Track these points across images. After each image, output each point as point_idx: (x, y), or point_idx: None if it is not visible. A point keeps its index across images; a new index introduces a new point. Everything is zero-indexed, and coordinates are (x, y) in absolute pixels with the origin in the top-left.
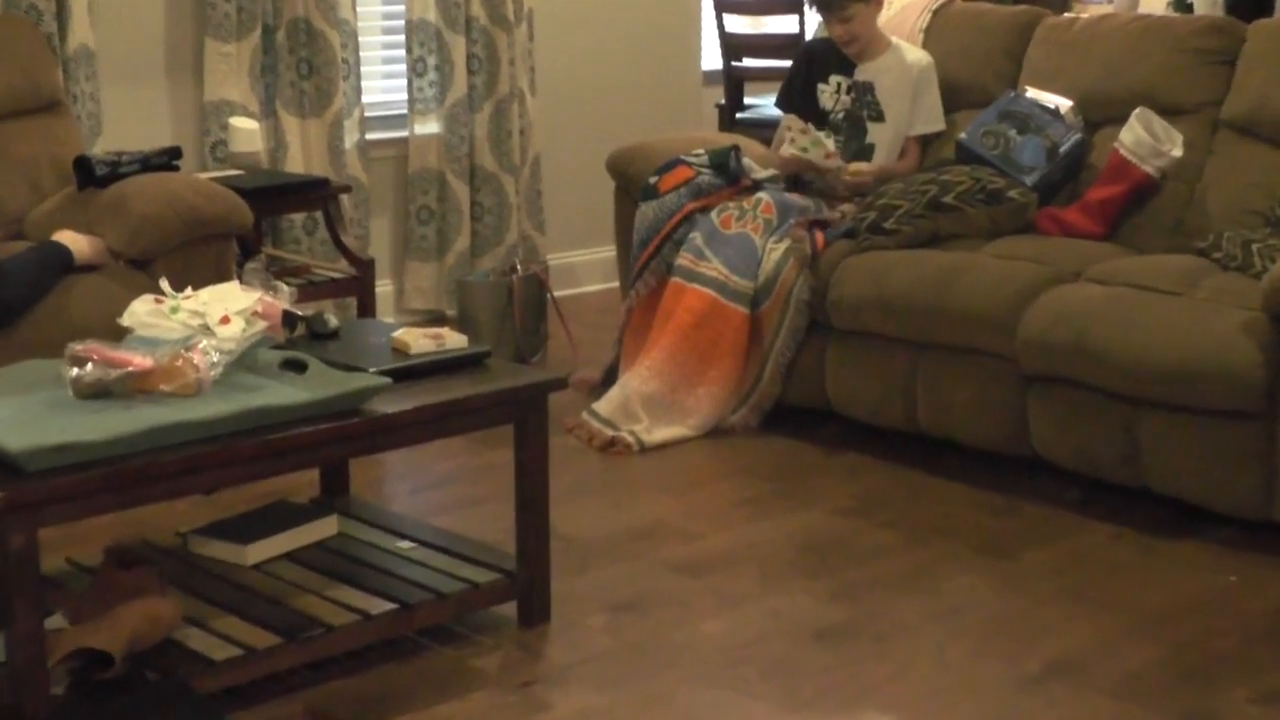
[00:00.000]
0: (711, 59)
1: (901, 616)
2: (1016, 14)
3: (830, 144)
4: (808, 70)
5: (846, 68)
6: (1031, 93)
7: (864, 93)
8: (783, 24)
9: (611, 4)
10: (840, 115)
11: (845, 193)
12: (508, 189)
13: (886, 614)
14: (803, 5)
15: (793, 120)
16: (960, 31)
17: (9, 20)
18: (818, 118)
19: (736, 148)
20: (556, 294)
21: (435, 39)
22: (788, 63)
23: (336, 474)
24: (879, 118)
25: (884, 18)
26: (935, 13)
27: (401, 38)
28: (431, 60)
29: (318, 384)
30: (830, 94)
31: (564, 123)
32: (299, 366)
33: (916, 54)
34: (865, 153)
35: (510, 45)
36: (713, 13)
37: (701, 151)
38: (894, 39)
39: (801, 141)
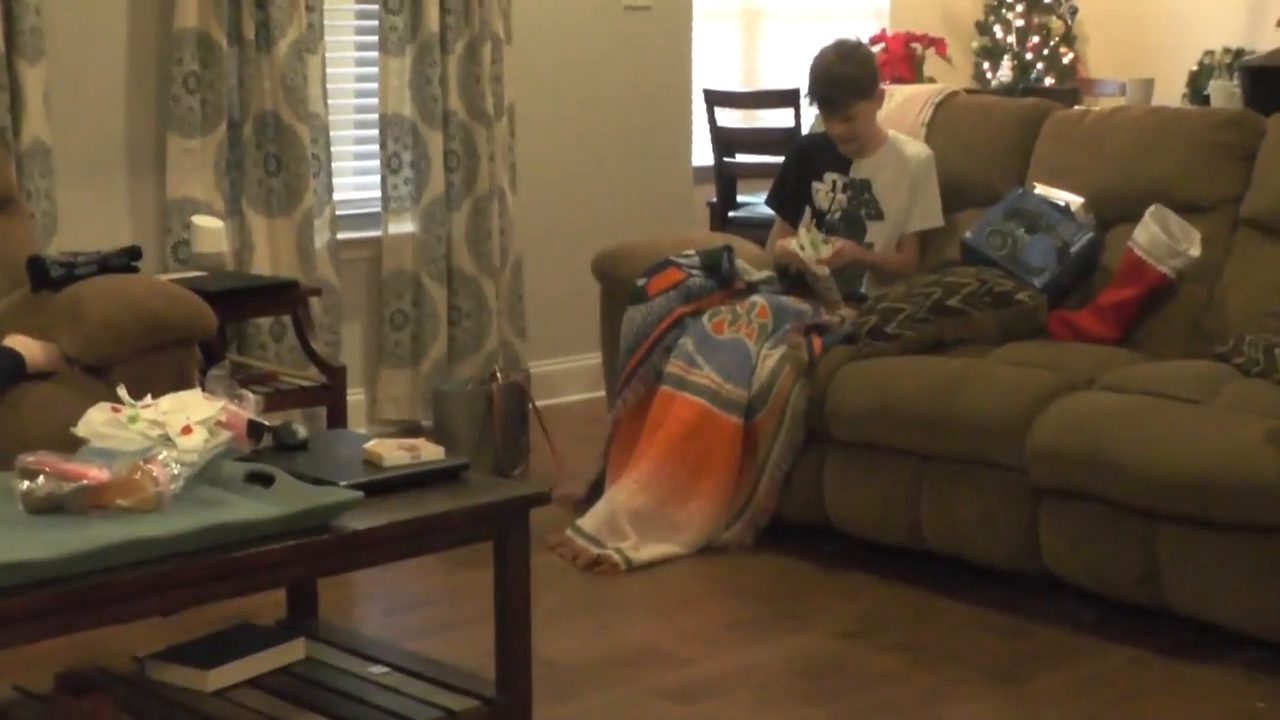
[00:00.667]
0: (702, 154)
1: None
2: (1024, 107)
3: (828, 249)
4: (800, 168)
5: (842, 164)
6: (1040, 190)
7: (861, 190)
8: (777, 118)
9: (597, 98)
10: (837, 215)
11: (832, 298)
12: (487, 292)
13: None
14: (798, 99)
15: (805, 219)
16: (965, 125)
17: None
18: (813, 218)
19: (729, 248)
20: (539, 403)
21: (411, 134)
22: (781, 159)
23: (304, 594)
24: (877, 215)
25: (884, 111)
26: (938, 106)
27: (375, 132)
28: (407, 156)
29: (285, 498)
30: (825, 192)
31: (547, 222)
32: (265, 480)
33: (915, 147)
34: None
35: (490, 140)
36: (704, 107)
37: (692, 252)
38: (891, 132)
39: (802, 238)
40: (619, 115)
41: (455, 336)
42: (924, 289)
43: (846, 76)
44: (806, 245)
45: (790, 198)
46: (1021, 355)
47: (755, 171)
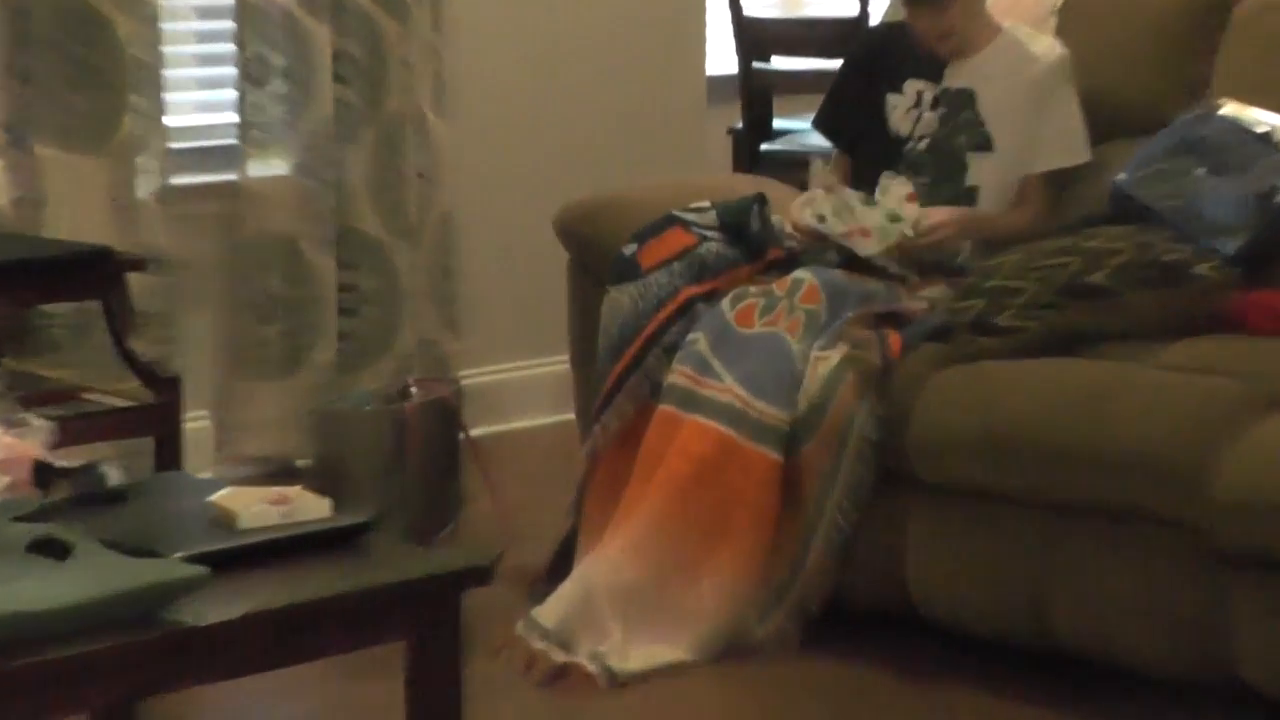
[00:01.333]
0: (721, 58)
1: None
2: None
3: (866, 213)
4: (868, 73)
5: (931, 69)
6: (1229, 110)
7: (959, 106)
8: (832, 3)
9: None
10: (923, 144)
11: (910, 275)
12: (399, 265)
13: None
14: None
15: (820, 168)
16: (1114, 16)
17: None
18: (886, 150)
19: (761, 198)
20: (476, 432)
21: (284, 27)
22: (837, 62)
23: None
24: (984, 145)
25: None
26: None
27: (228, 24)
28: (278, 60)
29: (89, 576)
30: (905, 110)
31: (489, 160)
32: (59, 549)
33: (1043, 44)
34: (962, 200)
35: (404, 38)
36: None
37: (707, 205)
38: (1006, 24)
39: (822, 205)
40: (598, 3)
41: (351, 332)
42: (1053, 259)
43: None
44: (828, 215)
45: (851, 118)
46: (1200, 356)
47: (800, 83)
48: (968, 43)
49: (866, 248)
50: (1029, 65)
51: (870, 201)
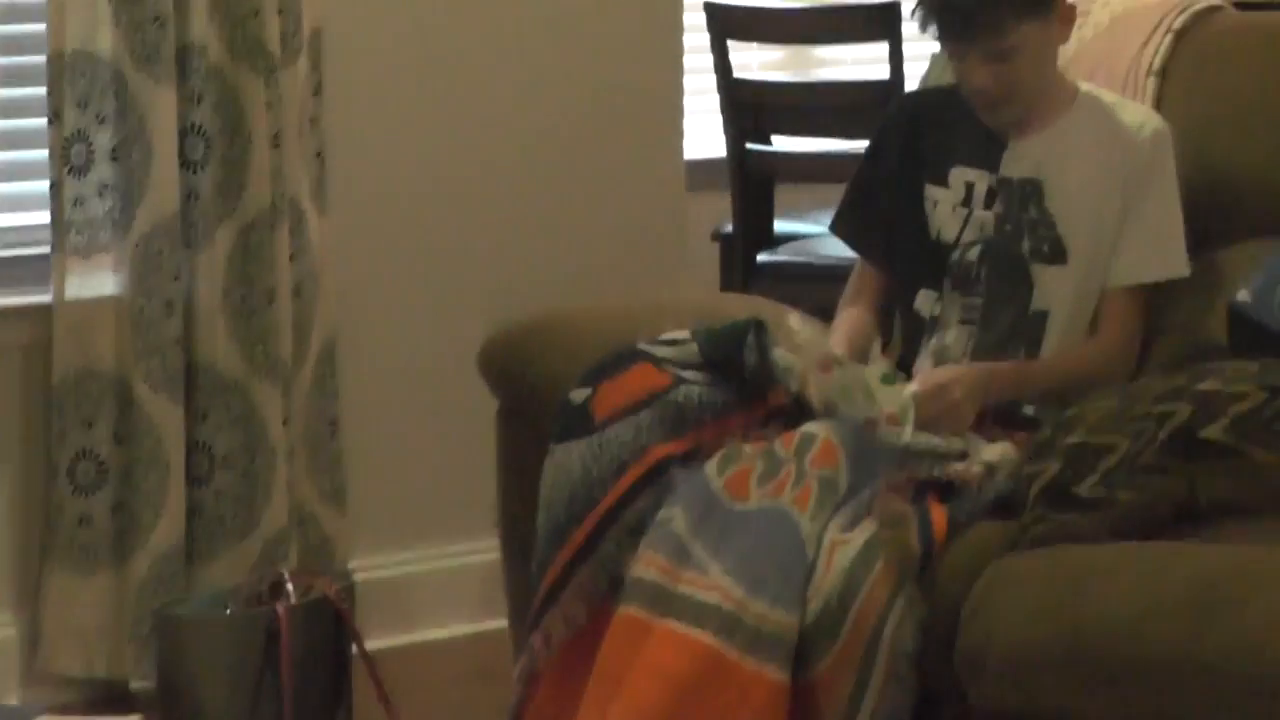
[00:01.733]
0: (705, 137)
1: None
2: None
3: (890, 393)
4: (904, 155)
5: (985, 152)
6: None
7: (1023, 202)
8: (854, 62)
9: (486, 18)
10: (974, 252)
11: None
12: (267, 414)
13: None
14: (897, 23)
15: (799, 328)
16: (1235, 73)
17: None
18: (926, 260)
19: (758, 324)
20: (372, 644)
21: (113, 94)
22: (862, 143)
23: None
24: (1055, 253)
25: (1072, 46)
26: (1182, 34)
27: (38, 91)
28: (104, 139)
29: None
30: (952, 206)
31: (389, 271)
32: None
33: (1136, 115)
34: (1024, 330)
35: (274, 105)
36: (706, 38)
37: (684, 334)
38: (1084, 86)
39: (827, 388)
40: (535, 52)
41: (203, 505)
42: (1155, 407)
43: None
44: (837, 398)
45: (881, 218)
46: None
47: (810, 170)
48: (1035, 110)
49: (902, 437)
50: (1116, 144)
51: (892, 378)
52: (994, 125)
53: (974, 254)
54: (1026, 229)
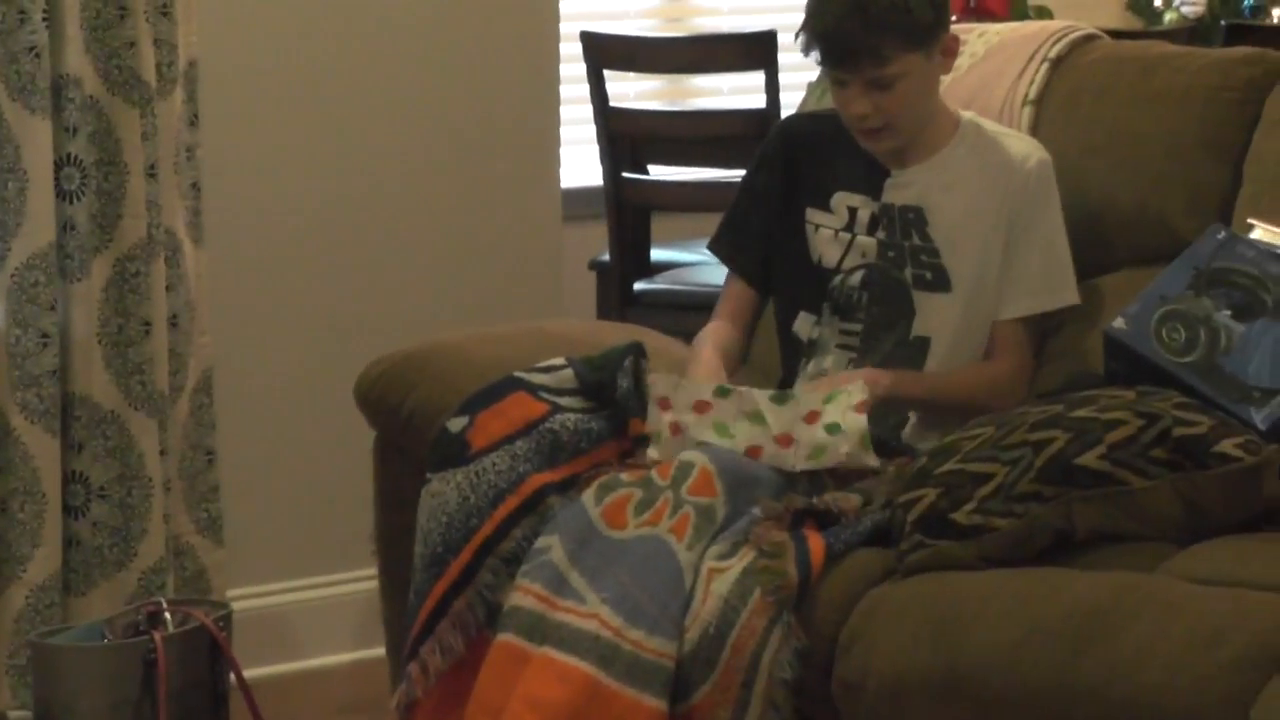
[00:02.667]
0: (581, 166)
1: None
2: (1227, 66)
3: (780, 415)
4: (785, 183)
5: (868, 176)
6: (1262, 233)
7: (906, 228)
8: (731, 90)
9: (362, 46)
10: (855, 278)
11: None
12: (144, 445)
13: None
14: (773, 50)
15: (662, 383)
16: (1111, 103)
17: None
18: (807, 284)
19: (636, 348)
20: (251, 673)
21: None
22: (738, 173)
23: None
24: (937, 282)
25: (954, 76)
26: (1058, 64)
27: None
28: None
29: None
30: (833, 232)
31: (266, 302)
32: None
33: (1018, 146)
34: (904, 355)
35: (150, 136)
36: (582, 67)
37: (560, 361)
38: (966, 115)
39: (710, 421)
40: (411, 81)
41: (80, 536)
42: (1032, 434)
43: (876, 6)
44: (729, 424)
45: (760, 241)
46: (1228, 565)
47: (686, 199)
48: (917, 139)
49: (792, 460)
50: (999, 175)
51: (783, 399)
52: (874, 153)
53: (856, 279)
54: (909, 256)
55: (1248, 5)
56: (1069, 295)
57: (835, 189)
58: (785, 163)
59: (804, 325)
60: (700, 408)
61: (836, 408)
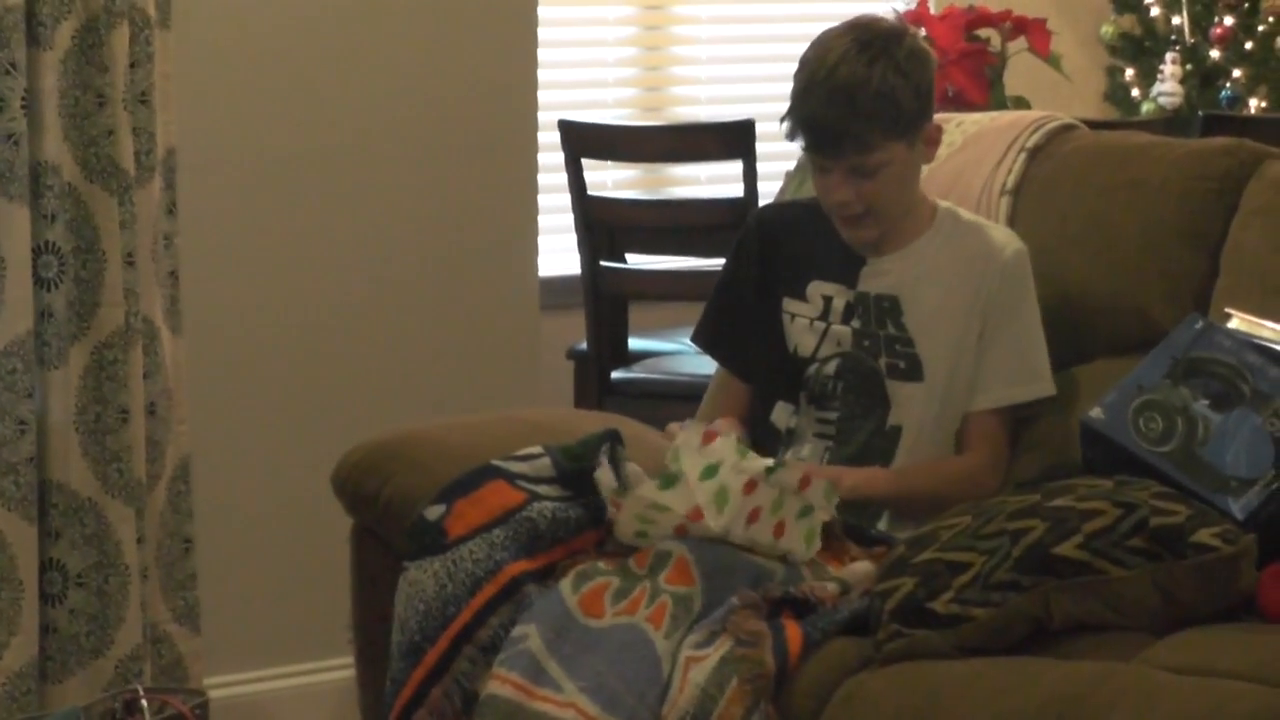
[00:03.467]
0: (559, 255)
1: None
2: (1207, 156)
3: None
4: (761, 272)
5: (844, 266)
6: (1239, 322)
7: (879, 317)
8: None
9: (341, 137)
10: (831, 368)
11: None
12: (121, 534)
13: None
14: (751, 140)
15: (684, 437)
16: (1089, 192)
17: None
18: (783, 373)
19: (613, 435)
20: None
21: None
22: (716, 262)
23: None
24: (911, 371)
25: (934, 166)
26: (1036, 153)
27: None
28: None
29: None
30: (809, 320)
31: (242, 390)
32: None
33: (994, 236)
34: (879, 445)
35: (128, 224)
36: (561, 156)
37: (538, 450)
38: (943, 205)
39: (636, 513)
40: (389, 170)
41: (55, 624)
42: (1008, 523)
43: (871, 88)
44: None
45: (739, 330)
46: (1206, 653)
47: (664, 288)
48: (895, 228)
49: (800, 553)
50: (975, 265)
51: (745, 450)
52: (853, 242)
53: (831, 369)
54: (884, 345)
55: (1225, 96)
56: (1044, 386)
57: (811, 278)
58: (761, 253)
59: (781, 414)
60: (749, 487)
61: (790, 507)
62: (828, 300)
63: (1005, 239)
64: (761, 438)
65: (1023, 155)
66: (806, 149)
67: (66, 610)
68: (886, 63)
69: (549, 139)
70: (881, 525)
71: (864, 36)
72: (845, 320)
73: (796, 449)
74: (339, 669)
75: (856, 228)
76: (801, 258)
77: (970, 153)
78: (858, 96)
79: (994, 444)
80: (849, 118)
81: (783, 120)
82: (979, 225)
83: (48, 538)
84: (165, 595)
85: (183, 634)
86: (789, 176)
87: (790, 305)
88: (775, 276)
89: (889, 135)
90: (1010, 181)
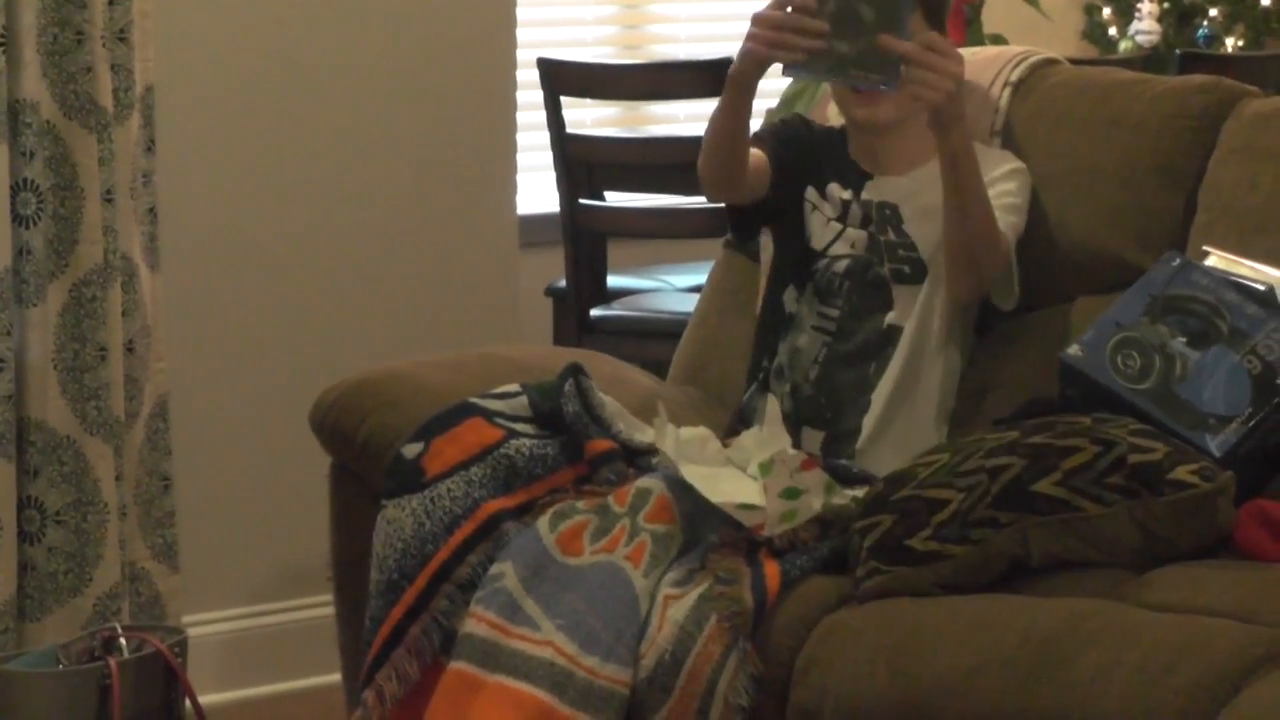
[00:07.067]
0: (538, 192)
1: None
2: (1184, 94)
3: (738, 481)
4: (792, 151)
5: (851, 173)
6: (1218, 260)
7: (879, 224)
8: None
9: (318, 71)
10: (840, 265)
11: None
12: (99, 470)
13: None
14: None
15: (665, 426)
16: (1068, 129)
17: None
18: (797, 257)
19: (575, 368)
20: (207, 699)
21: None
22: (696, 200)
23: None
24: (914, 274)
25: None
26: (1018, 88)
27: None
28: None
29: None
30: (826, 219)
31: (221, 328)
32: None
33: (996, 156)
34: (875, 346)
35: (106, 161)
36: (539, 95)
37: (516, 388)
38: None
39: (677, 437)
40: (367, 107)
41: (33, 562)
42: (987, 460)
43: None
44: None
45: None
46: (1187, 591)
47: (644, 226)
48: (897, 151)
49: (762, 528)
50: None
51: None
52: (865, 121)
53: (840, 267)
54: (887, 251)
55: (1202, 35)
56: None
57: (831, 179)
58: (789, 141)
59: (789, 297)
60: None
61: (780, 476)
62: (846, 204)
63: (1006, 158)
64: (768, 318)
65: (1007, 89)
66: None
67: (45, 548)
68: None
69: (528, 77)
70: (856, 447)
71: None
72: (862, 225)
73: (793, 337)
74: (318, 607)
75: (871, 104)
76: (822, 159)
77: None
78: None
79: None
80: None
81: None
82: (983, 149)
83: (26, 475)
84: (143, 533)
85: (161, 572)
86: (769, 114)
87: (812, 196)
88: (802, 165)
89: (918, 5)
90: (999, 121)
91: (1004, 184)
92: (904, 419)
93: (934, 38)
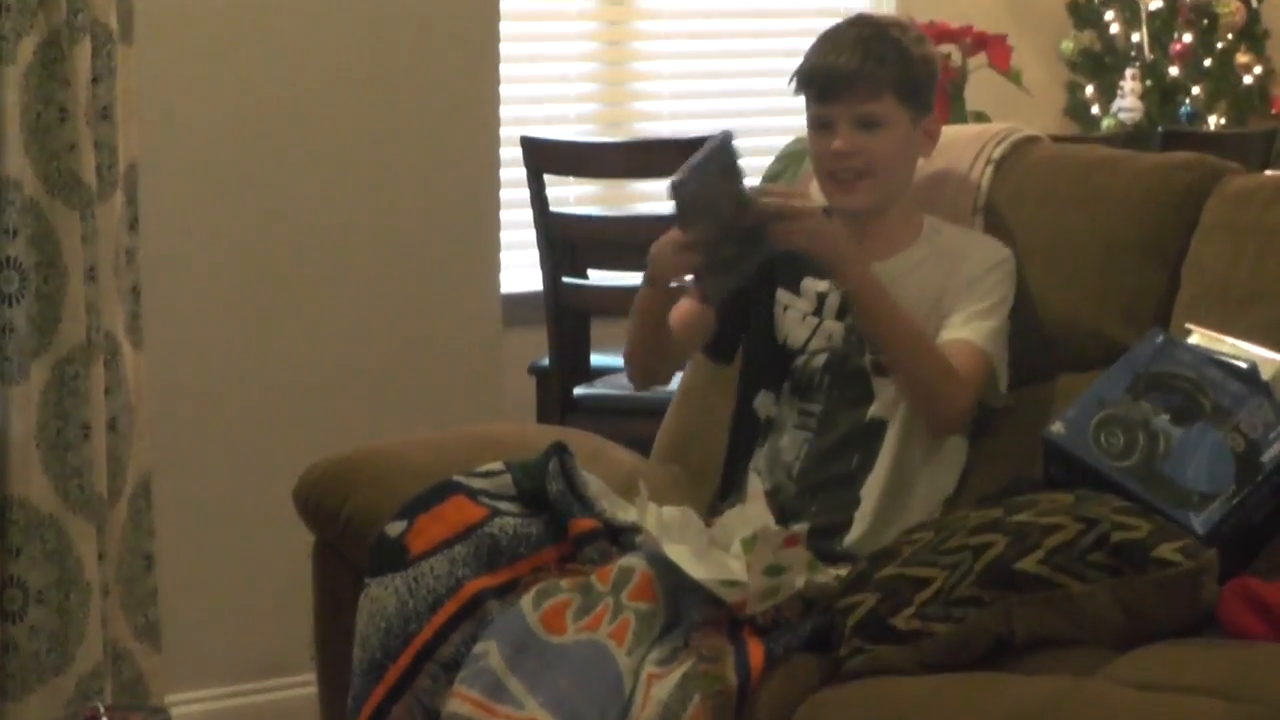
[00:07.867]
0: (521, 271)
1: None
2: (1167, 171)
3: (718, 558)
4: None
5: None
6: (1199, 337)
7: None
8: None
9: (305, 153)
10: (819, 360)
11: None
12: (82, 551)
13: None
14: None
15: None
16: (1051, 206)
17: None
18: (771, 362)
19: (560, 447)
20: None
21: None
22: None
23: None
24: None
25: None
26: (1000, 165)
27: None
28: None
29: None
30: (802, 314)
31: (205, 406)
32: None
33: (983, 242)
34: (860, 437)
35: (89, 239)
36: (523, 173)
37: (499, 466)
38: (929, 218)
39: (660, 516)
40: (351, 186)
41: (15, 641)
42: (970, 538)
43: (888, 37)
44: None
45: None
46: (1169, 668)
47: (626, 304)
48: (885, 232)
49: (744, 606)
50: (959, 262)
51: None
52: (842, 208)
53: (819, 362)
54: (867, 341)
55: (1184, 112)
56: (997, 396)
57: (806, 273)
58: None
59: (763, 403)
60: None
61: (763, 554)
62: (822, 296)
63: (994, 245)
64: (740, 426)
65: (989, 167)
66: (813, 99)
67: (26, 627)
68: (899, 32)
69: (511, 154)
70: (847, 539)
71: (874, 19)
72: (839, 316)
73: (775, 438)
74: (300, 687)
75: (849, 192)
76: (791, 257)
77: (938, 163)
78: (872, 45)
79: (964, 366)
80: (863, 59)
81: (791, 79)
82: (967, 233)
83: (8, 554)
84: (126, 612)
85: (144, 651)
86: (775, 160)
87: (784, 297)
88: (772, 266)
89: (897, 91)
90: (981, 199)
91: (981, 298)
92: (899, 519)
93: (774, 200)
